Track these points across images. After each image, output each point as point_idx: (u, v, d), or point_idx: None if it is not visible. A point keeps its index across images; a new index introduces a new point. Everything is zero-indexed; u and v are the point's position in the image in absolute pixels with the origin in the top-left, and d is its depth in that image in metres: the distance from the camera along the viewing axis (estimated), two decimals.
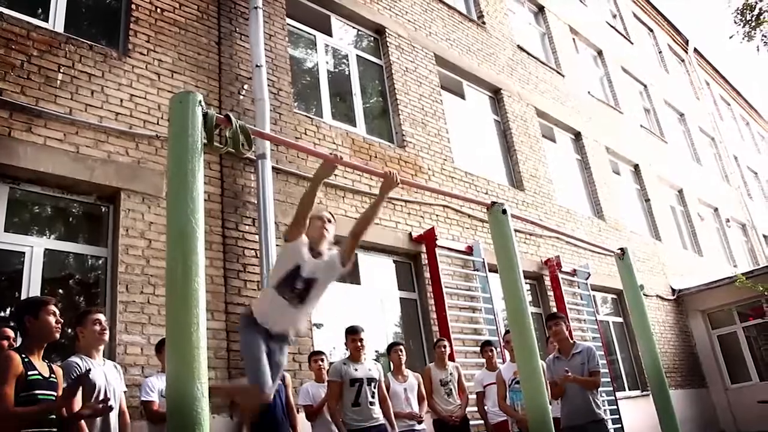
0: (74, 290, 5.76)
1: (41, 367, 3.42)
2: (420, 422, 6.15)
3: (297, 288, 3.45)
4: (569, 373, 5.44)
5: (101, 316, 4.02)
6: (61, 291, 5.62)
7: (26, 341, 3.49)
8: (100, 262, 5.75)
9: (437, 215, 8.92)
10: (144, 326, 5.46)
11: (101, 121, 5.87)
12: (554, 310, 9.99)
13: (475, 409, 7.18)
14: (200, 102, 2.71)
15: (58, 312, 3.56)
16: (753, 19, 9.85)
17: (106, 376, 3.93)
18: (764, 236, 21.76)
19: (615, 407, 9.89)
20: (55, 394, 3.39)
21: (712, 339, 14.36)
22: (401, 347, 6.40)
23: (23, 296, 5.06)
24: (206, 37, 7.17)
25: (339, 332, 6.27)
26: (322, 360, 5.96)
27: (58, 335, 3.54)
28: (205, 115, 2.74)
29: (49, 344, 3.57)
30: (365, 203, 7.79)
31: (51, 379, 3.43)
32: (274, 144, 7.05)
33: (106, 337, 4.03)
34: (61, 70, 5.78)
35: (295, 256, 3.47)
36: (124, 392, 4.26)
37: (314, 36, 8.94)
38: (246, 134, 2.94)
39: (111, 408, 3.61)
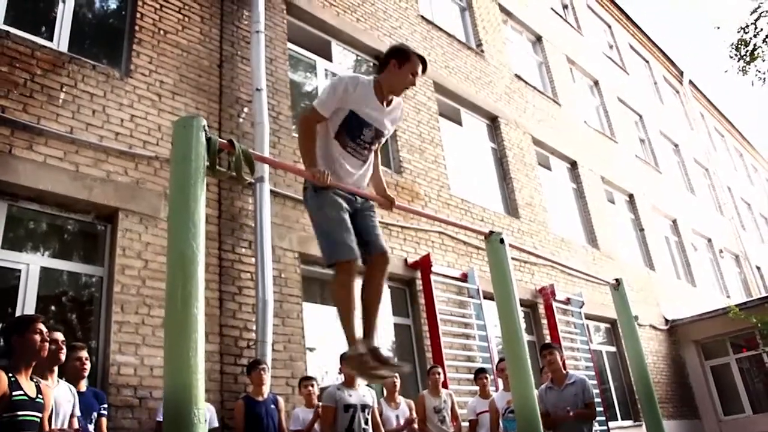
0: (69, 309, 5.74)
1: (28, 387, 3.36)
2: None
3: (363, 138, 3.30)
4: (571, 413, 5.47)
5: (44, 327, 3.61)
6: (55, 309, 5.61)
7: (13, 361, 3.44)
8: (96, 281, 5.74)
9: (433, 242, 8.94)
10: (138, 347, 5.44)
11: (101, 141, 5.90)
12: (548, 338, 9.99)
13: None
14: (204, 127, 2.73)
15: (45, 331, 3.51)
16: (747, 54, 10.00)
17: (55, 399, 3.68)
18: (757, 267, 21.83)
19: None
20: (39, 415, 3.34)
21: (705, 369, 14.34)
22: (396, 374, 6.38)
23: (17, 314, 5.04)
24: (208, 60, 7.24)
25: (332, 356, 6.25)
26: (312, 385, 5.94)
27: (45, 354, 3.50)
28: (208, 140, 2.76)
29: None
30: None
31: (37, 399, 3.37)
32: (272, 167, 7.08)
33: (45, 352, 3.60)
34: (64, 89, 5.82)
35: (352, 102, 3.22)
36: (78, 417, 4.00)
37: (314, 61, 9.02)
38: (248, 160, 2.96)
39: None
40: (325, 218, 3.15)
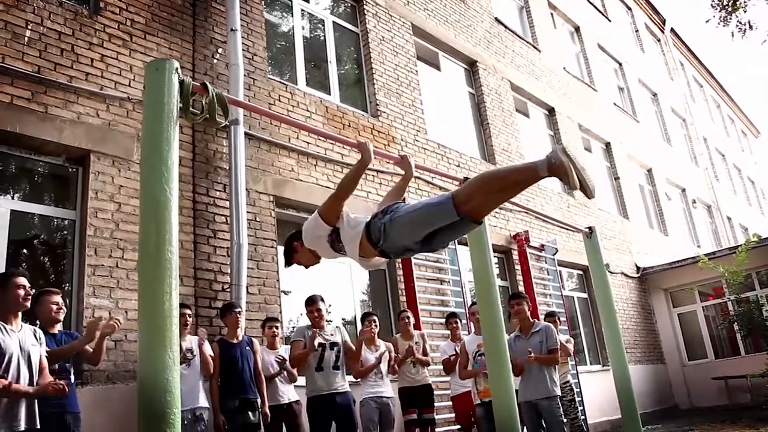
0: (41, 253, 5.69)
1: None
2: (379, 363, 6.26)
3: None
4: (532, 355, 5.63)
5: (26, 281, 3.82)
6: (27, 253, 5.57)
7: None
8: (69, 224, 5.68)
9: (409, 186, 8.89)
10: (112, 290, 5.43)
11: (71, 81, 5.75)
12: (521, 284, 10.14)
13: (440, 379, 7.32)
14: (176, 70, 2.67)
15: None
16: (729, 4, 9.90)
17: (21, 342, 3.67)
18: (728, 218, 22.19)
19: (576, 381, 10.10)
20: None
21: (672, 317, 14.73)
22: (375, 318, 6.46)
23: None
24: None
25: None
26: (277, 327, 6.03)
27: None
28: (181, 83, 2.71)
29: None
30: (337, 171, 7.78)
31: None
32: (247, 110, 6.98)
33: (29, 303, 3.83)
34: (29, 27, 5.63)
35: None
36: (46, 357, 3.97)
37: (290, 1, 8.80)
38: (222, 103, 2.91)
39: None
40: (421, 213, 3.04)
